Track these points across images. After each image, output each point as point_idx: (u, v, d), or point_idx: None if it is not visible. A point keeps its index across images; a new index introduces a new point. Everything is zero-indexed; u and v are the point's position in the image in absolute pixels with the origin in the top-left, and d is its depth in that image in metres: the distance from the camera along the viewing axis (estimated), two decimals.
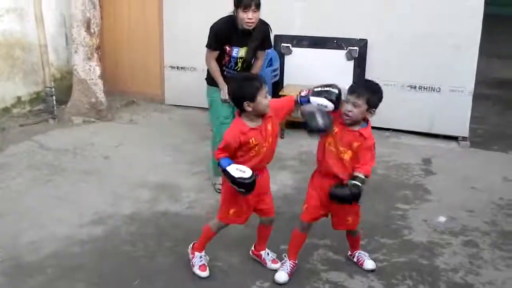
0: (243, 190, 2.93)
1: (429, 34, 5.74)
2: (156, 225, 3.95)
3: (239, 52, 4.30)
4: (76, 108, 6.50)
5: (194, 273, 3.31)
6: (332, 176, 3.07)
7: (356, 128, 3.04)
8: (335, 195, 3.01)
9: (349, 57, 6.03)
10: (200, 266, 3.31)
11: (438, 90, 5.89)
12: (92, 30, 6.45)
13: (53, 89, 6.45)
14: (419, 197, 4.50)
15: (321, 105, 2.98)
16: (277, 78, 6.12)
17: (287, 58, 6.24)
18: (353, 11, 5.98)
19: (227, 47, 4.29)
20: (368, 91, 3.00)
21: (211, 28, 4.32)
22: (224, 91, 4.30)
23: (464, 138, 5.85)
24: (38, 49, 6.39)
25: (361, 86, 3.10)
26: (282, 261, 3.32)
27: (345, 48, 6.03)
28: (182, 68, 6.98)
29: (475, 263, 3.48)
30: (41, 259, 3.47)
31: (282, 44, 6.19)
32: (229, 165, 2.93)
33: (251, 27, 4.17)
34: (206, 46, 4.35)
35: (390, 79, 6.02)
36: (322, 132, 2.99)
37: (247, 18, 4.09)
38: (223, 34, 4.25)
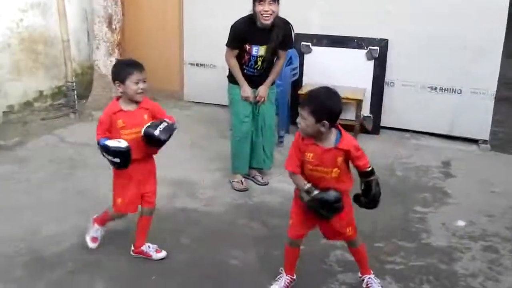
0: (118, 160, 3.08)
1: (451, 35, 5.68)
2: (174, 221, 3.98)
3: (259, 50, 4.31)
4: (96, 103, 6.56)
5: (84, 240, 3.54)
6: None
7: (332, 143, 2.82)
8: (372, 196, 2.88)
9: (370, 56, 6.00)
10: (92, 237, 3.54)
11: (459, 91, 5.83)
12: (114, 26, 6.52)
13: (74, 84, 6.53)
14: (438, 200, 4.47)
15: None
16: (297, 76, 6.11)
17: (306, 57, 6.23)
18: (374, 10, 5.94)
19: (247, 46, 4.30)
20: (312, 103, 2.77)
21: (231, 27, 4.34)
22: (244, 89, 4.34)
23: (484, 141, 5.79)
24: (61, 44, 6.47)
25: (307, 96, 2.86)
26: (279, 276, 3.21)
27: (365, 48, 6.00)
28: (201, 65, 7.00)
29: (495, 269, 3.45)
30: (61, 252, 3.52)
31: (302, 43, 6.17)
32: (106, 140, 3.10)
33: (268, 20, 4.16)
34: (226, 45, 4.37)
35: (411, 79, 6.00)
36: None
37: (263, 10, 4.11)
38: (243, 33, 4.28)
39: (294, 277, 3.20)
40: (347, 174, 2.91)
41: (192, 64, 7.05)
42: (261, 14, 4.14)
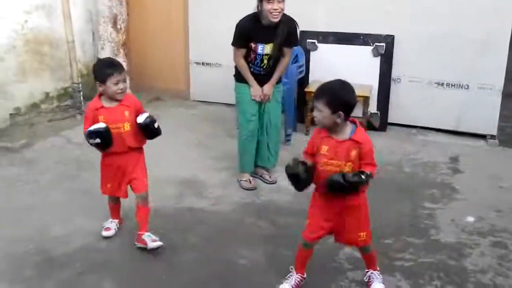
0: (99, 140, 3.29)
1: (458, 30, 5.65)
2: (182, 221, 3.98)
3: (265, 48, 4.31)
4: None
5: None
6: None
7: (347, 135, 2.82)
8: (330, 181, 2.78)
9: (376, 53, 5.97)
10: (105, 227, 3.75)
11: (466, 87, 5.80)
12: (119, 26, 6.52)
13: (80, 85, 6.53)
14: (447, 196, 4.45)
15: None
16: (303, 74, 6.09)
17: (312, 54, 6.21)
18: (380, 6, 5.91)
19: (252, 44, 4.30)
20: (326, 94, 2.78)
21: (236, 26, 4.34)
22: (254, 88, 4.37)
23: (492, 137, 5.76)
24: (66, 45, 6.46)
25: (321, 88, 2.84)
26: (289, 274, 3.20)
27: (371, 44, 5.97)
28: (207, 64, 6.99)
29: (505, 265, 3.42)
30: (70, 253, 3.53)
31: (308, 40, 6.16)
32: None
33: (277, 18, 4.16)
34: (232, 44, 4.37)
35: (417, 75, 5.97)
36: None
37: (273, 8, 4.10)
38: (248, 31, 4.28)
39: (305, 275, 3.19)
40: None
41: (197, 63, 7.04)
42: (270, 13, 4.12)
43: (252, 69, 4.40)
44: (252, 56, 4.35)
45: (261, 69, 4.42)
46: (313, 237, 3.04)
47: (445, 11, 5.67)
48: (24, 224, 3.88)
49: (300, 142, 5.22)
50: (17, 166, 4.98)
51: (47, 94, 6.64)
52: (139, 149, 3.61)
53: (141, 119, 3.42)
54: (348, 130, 2.84)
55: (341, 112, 2.74)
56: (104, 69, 3.36)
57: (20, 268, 3.36)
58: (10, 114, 6.13)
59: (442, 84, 5.90)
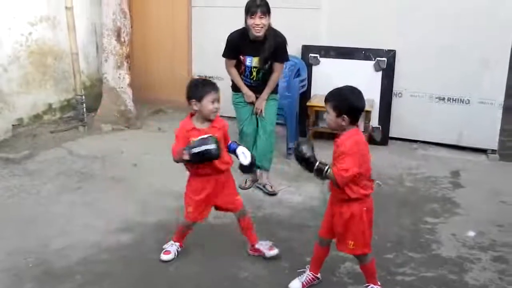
0: (212, 147, 3.16)
1: (458, 46, 5.69)
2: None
3: (253, 61, 4.50)
4: (105, 116, 6.60)
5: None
6: (340, 200, 2.98)
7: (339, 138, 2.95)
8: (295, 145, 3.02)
9: (377, 68, 6.01)
10: (165, 250, 3.59)
11: (467, 102, 5.82)
12: (123, 39, 6.56)
13: (83, 97, 6.56)
14: (448, 210, 4.45)
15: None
16: (305, 88, 6.13)
17: (315, 69, 6.25)
18: (381, 21, 5.96)
19: (241, 56, 4.50)
20: (335, 98, 2.91)
21: (227, 38, 4.56)
22: (246, 93, 4.59)
23: (493, 151, 5.78)
24: (70, 57, 6.52)
25: (330, 92, 2.96)
26: (302, 270, 3.32)
27: (373, 59, 6.01)
28: (209, 77, 6.99)
29: (505, 279, 3.42)
30: (71, 265, 3.52)
31: (310, 55, 6.20)
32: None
33: (259, 33, 4.33)
34: (222, 55, 4.59)
35: (419, 90, 6.00)
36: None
37: (254, 23, 4.29)
38: (236, 44, 4.49)
39: (319, 275, 3.27)
40: (357, 181, 2.89)
41: (200, 76, 7.07)
42: (253, 27, 4.32)
43: (244, 81, 4.60)
44: (242, 68, 4.56)
45: (252, 81, 4.60)
46: (321, 231, 3.17)
47: (446, 26, 5.72)
48: (25, 235, 3.89)
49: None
50: (19, 177, 4.99)
51: (50, 105, 6.69)
52: (228, 170, 3.50)
53: (245, 161, 3.38)
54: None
55: (345, 116, 2.85)
56: (202, 87, 3.31)
57: (21, 280, 3.35)
58: (13, 125, 6.17)
59: (443, 98, 5.92)
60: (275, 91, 4.69)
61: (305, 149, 2.92)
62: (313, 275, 3.27)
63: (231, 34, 4.55)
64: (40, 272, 3.43)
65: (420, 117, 6.04)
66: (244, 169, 3.56)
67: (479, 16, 5.57)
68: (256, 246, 3.61)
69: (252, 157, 3.45)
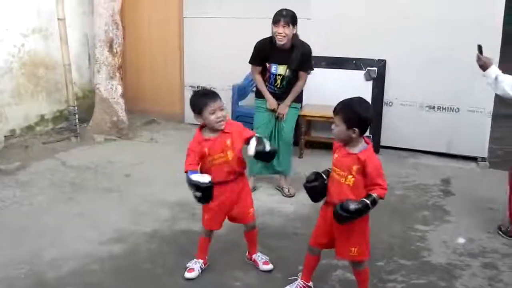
0: (199, 195, 3.14)
1: (447, 55, 5.76)
2: (176, 243, 3.99)
3: (278, 69, 4.67)
4: (98, 127, 6.62)
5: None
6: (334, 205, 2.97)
7: (356, 150, 2.93)
8: (336, 211, 2.88)
9: (368, 77, 6.07)
10: (189, 268, 3.53)
11: (457, 110, 5.89)
12: (115, 50, 6.59)
13: (75, 108, 6.57)
14: (438, 218, 4.49)
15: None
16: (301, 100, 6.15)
17: None
18: (372, 32, 6.03)
19: (267, 64, 4.67)
20: (345, 110, 2.92)
21: (254, 45, 4.75)
22: (269, 100, 4.74)
23: (483, 159, 5.83)
24: (62, 68, 6.53)
25: (340, 104, 2.97)
26: (294, 278, 3.34)
27: (363, 69, 6.07)
28: (201, 87, 7.06)
29: (495, 286, 3.46)
30: (63, 276, 3.52)
31: None
32: (193, 173, 3.19)
33: (282, 41, 4.52)
34: (249, 62, 4.77)
35: (409, 99, 6.07)
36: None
37: (277, 32, 4.48)
38: (262, 51, 4.68)
39: (310, 283, 3.29)
40: (364, 193, 2.91)
41: (192, 86, 7.12)
42: (276, 35, 4.51)
43: (268, 88, 4.76)
44: (267, 75, 4.75)
45: (276, 88, 4.77)
46: (314, 242, 3.18)
47: (436, 36, 5.78)
48: (17, 246, 3.88)
49: (295, 165, 5.27)
50: (12, 188, 4.99)
51: (42, 116, 6.70)
52: (243, 176, 3.48)
53: (251, 151, 3.22)
54: (360, 146, 2.95)
55: (356, 129, 2.88)
56: (199, 99, 3.30)
57: None
58: (5, 136, 6.17)
59: (433, 107, 5.99)
60: (297, 100, 4.88)
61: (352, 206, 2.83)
62: (304, 283, 3.28)
63: (259, 41, 4.73)
64: (32, 283, 3.43)
65: (410, 126, 6.09)
66: (259, 156, 3.30)
67: (467, 26, 5.63)
68: (254, 256, 3.63)
69: (262, 143, 3.24)
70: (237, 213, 3.48)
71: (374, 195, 2.86)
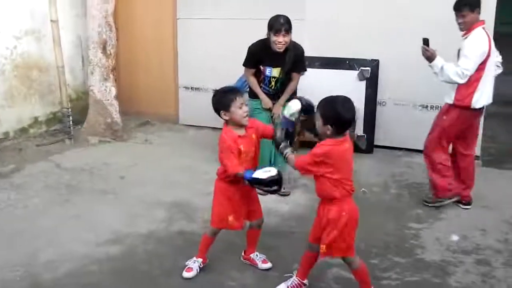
0: (276, 187, 3.09)
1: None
2: (172, 244, 4.01)
3: (272, 71, 4.71)
4: (92, 128, 6.61)
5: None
6: (327, 200, 3.05)
7: None
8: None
9: (361, 77, 6.10)
10: (188, 267, 3.54)
11: None
12: (108, 52, 6.60)
13: (69, 110, 6.57)
14: (432, 216, 4.52)
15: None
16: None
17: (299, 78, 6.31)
18: (365, 32, 6.06)
19: (261, 66, 4.70)
20: (324, 106, 2.96)
21: (248, 48, 4.76)
22: (264, 100, 4.79)
23: (476, 157, 5.85)
24: (55, 70, 6.52)
25: (323, 100, 3.00)
26: (289, 275, 3.38)
27: (357, 69, 6.10)
28: (196, 88, 7.09)
29: (488, 282, 3.49)
30: (59, 278, 3.53)
31: None
32: (252, 174, 3.12)
33: (281, 49, 4.55)
34: (243, 65, 4.80)
35: (402, 99, 6.10)
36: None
37: (277, 41, 4.50)
38: (257, 55, 4.70)
39: (305, 281, 3.31)
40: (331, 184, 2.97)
41: (186, 87, 7.13)
42: (276, 44, 4.53)
43: (262, 89, 4.81)
44: (262, 77, 4.80)
45: (270, 89, 4.83)
46: (312, 238, 3.21)
47: (428, 36, 5.78)
48: (13, 249, 3.89)
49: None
50: (6, 191, 4.98)
51: (36, 118, 6.69)
52: None
53: (296, 105, 3.30)
54: None
55: (329, 126, 2.90)
56: (226, 95, 3.30)
57: None
58: None
59: (426, 106, 6.03)
60: (290, 98, 4.83)
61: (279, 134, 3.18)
62: (299, 280, 3.30)
63: (253, 44, 4.75)
64: (28, 285, 3.44)
65: (404, 125, 6.13)
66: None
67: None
68: (251, 256, 3.65)
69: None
70: (250, 208, 3.49)
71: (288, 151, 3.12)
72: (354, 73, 6.12)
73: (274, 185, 3.08)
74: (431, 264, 3.72)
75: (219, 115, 3.32)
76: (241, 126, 3.31)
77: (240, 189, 3.36)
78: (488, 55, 4.35)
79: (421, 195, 4.95)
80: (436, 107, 5.97)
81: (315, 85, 6.09)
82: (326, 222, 3.02)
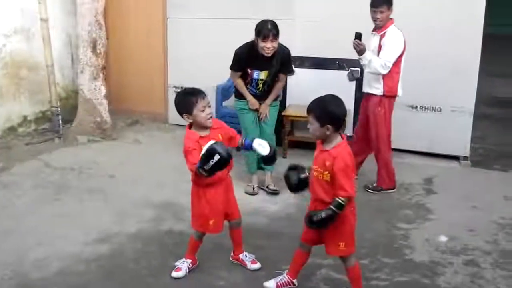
0: (218, 157, 2.92)
1: (429, 55, 5.81)
2: (161, 244, 4.00)
3: (260, 75, 4.75)
4: (81, 127, 6.58)
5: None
6: (320, 201, 3.01)
7: (329, 147, 2.97)
8: (307, 219, 2.99)
9: (351, 77, 6.12)
10: (177, 267, 3.54)
11: (439, 110, 5.96)
12: (98, 51, 6.56)
13: (58, 109, 6.53)
14: (421, 216, 4.54)
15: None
16: (280, 98, 6.17)
17: (289, 79, 6.28)
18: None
19: (248, 70, 4.71)
20: (316, 108, 2.96)
21: (235, 52, 4.75)
22: (251, 101, 4.81)
23: (465, 158, 5.91)
24: (45, 69, 6.49)
25: (312, 103, 3.00)
26: (278, 272, 3.39)
27: (347, 69, 6.12)
28: (185, 87, 7.05)
29: (477, 282, 3.51)
30: (47, 277, 3.51)
31: None
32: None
33: (269, 55, 4.58)
34: (230, 68, 4.80)
35: None
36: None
37: (266, 47, 4.52)
38: (245, 59, 4.71)
39: (295, 280, 3.32)
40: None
41: (176, 87, 7.11)
42: (264, 50, 4.54)
43: (249, 90, 4.83)
44: (248, 79, 4.82)
45: (257, 91, 4.86)
46: (304, 237, 3.22)
47: (418, 36, 5.83)
48: (1, 248, 3.86)
49: (278, 165, 5.27)
50: None
51: (25, 117, 6.65)
52: (229, 174, 3.44)
53: (265, 151, 3.30)
54: (334, 142, 2.99)
55: (329, 126, 2.91)
56: (187, 98, 3.25)
57: None
58: None
59: (416, 107, 6.05)
60: (276, 98, 5.01)
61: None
62: (289, 278, 3.32)
63: (240, 47, 4.74)
64: (17, 284, 3.42)
65: (393, 126, 6.10)
66: (267, 160, 3.44)
67: (449, 27, 5.71)
68: (240, 256, 3.65)
69: (271, 146, 3.35)
70: (228, 209, 3.48)
71: (339, 199, 2.89)
72: (344, 74, 6.14)
73: (217, 153, 2.93)
74: (420, 264, 3.73)
75: (182, 117, 3.27)
76: (202, 127, 3.26)
77: (219, 192, 3.35)
78: (404, 50, 4.87)
79: (410, 196, 4.97)
80: (425, 108, 6.01)
81: (304, 85, 6.14)
82: (340, 219, 2.98)
